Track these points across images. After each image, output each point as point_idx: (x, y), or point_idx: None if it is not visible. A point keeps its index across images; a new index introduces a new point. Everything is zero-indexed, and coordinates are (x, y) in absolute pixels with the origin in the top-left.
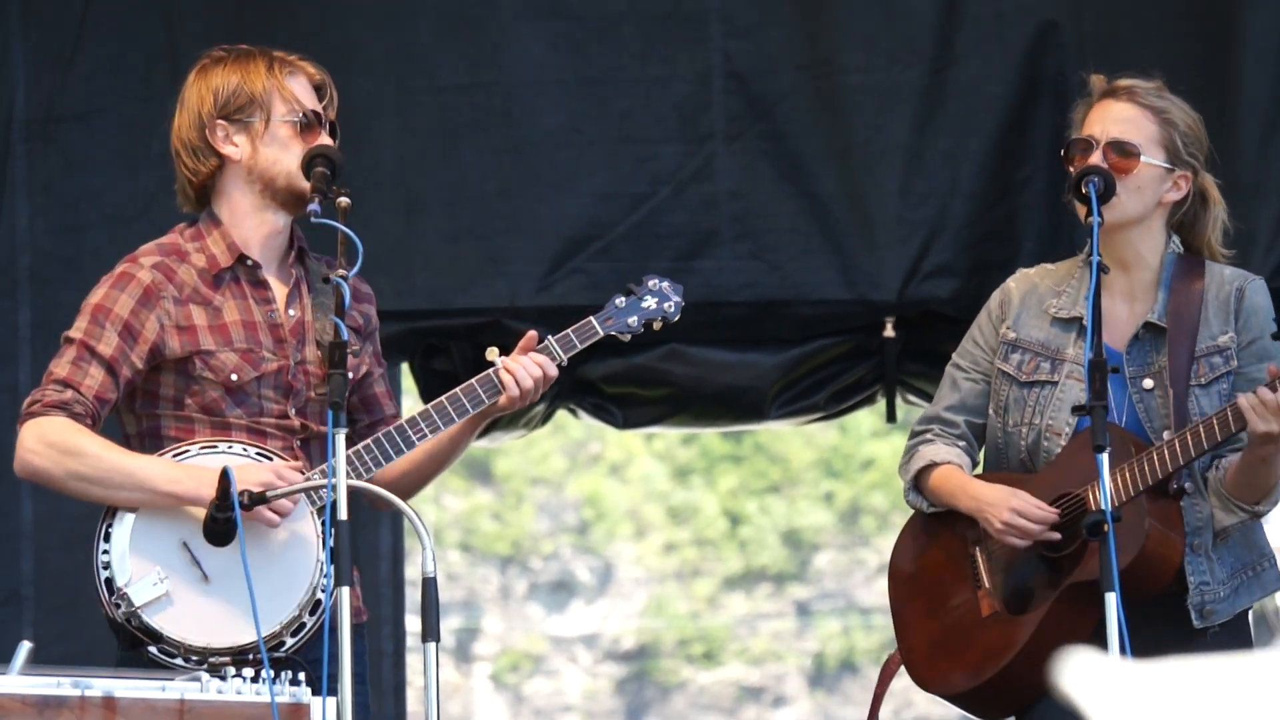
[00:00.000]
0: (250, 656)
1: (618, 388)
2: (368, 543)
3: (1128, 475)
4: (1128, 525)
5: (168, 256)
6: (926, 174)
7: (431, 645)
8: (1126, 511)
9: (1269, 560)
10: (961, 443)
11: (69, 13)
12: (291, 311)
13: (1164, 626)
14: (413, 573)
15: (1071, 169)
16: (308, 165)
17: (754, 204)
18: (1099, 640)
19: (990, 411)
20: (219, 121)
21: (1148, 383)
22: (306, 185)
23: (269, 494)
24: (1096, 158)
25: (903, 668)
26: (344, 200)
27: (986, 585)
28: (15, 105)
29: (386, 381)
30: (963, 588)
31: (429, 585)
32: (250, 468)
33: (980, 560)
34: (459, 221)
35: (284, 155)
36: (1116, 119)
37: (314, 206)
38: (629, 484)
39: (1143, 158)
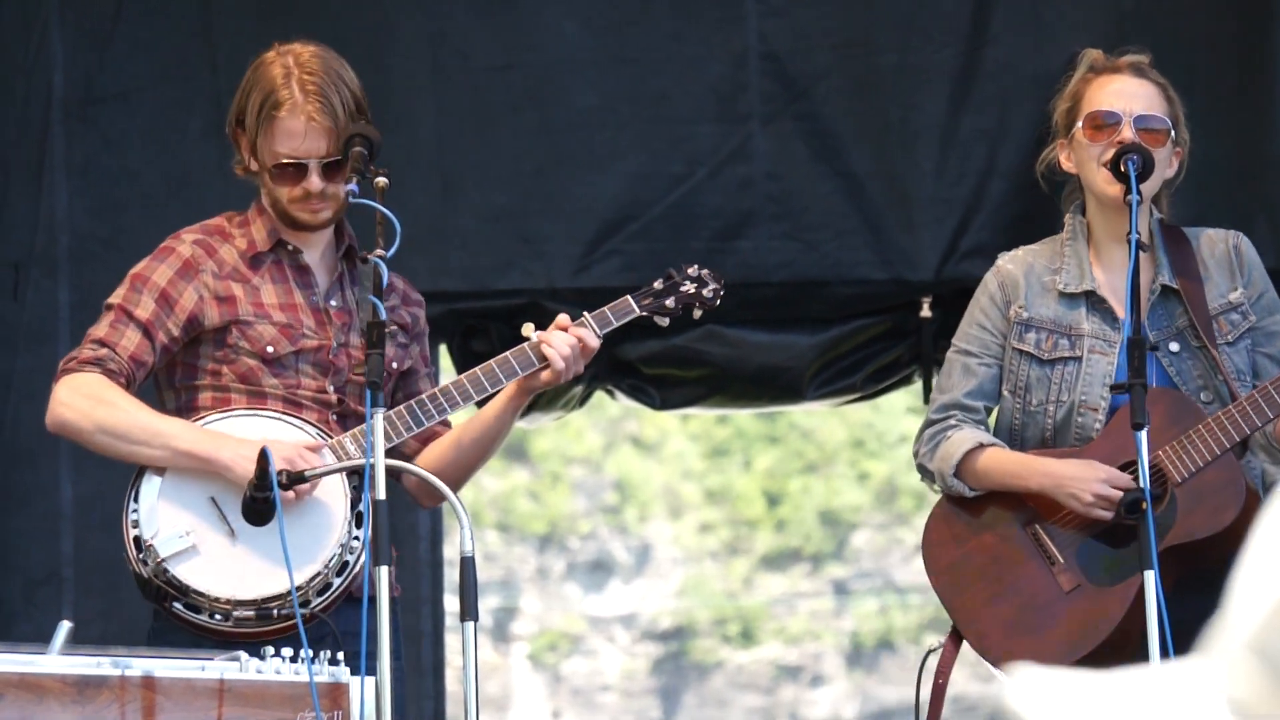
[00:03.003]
0: (274, 611)
1: (655, 368)
2: (406, 523)
3: (1207, 437)
4: (1221, 485)
5: (210, 236)
6: (963, 153)
7: (470, 625)
8: (1217, 473)
9: None
10: (982, 426)
11: None
12: (334, 301)
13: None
14: (450, 552)
15: (1084, 140)
16: (345, 146)
17: (791, 184)
18: (1181, 598)
19: (1005, 392)
20: (237, 130)
21: (1174, 345)
22: (298, 218)
23: (308, 473)
24: (1129, 134)
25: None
26: (382, 180)
27: (1061, 560)
28: (53, 85)
29: (433, 382)
30: (1030, 566)
31: (467, 565)
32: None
33: (1044, 537)
34: (496, 202)
35: (273, 189)
36: (1138, 95)
37: (352, 186)
38: (665, 464)
39: (1170, 132)
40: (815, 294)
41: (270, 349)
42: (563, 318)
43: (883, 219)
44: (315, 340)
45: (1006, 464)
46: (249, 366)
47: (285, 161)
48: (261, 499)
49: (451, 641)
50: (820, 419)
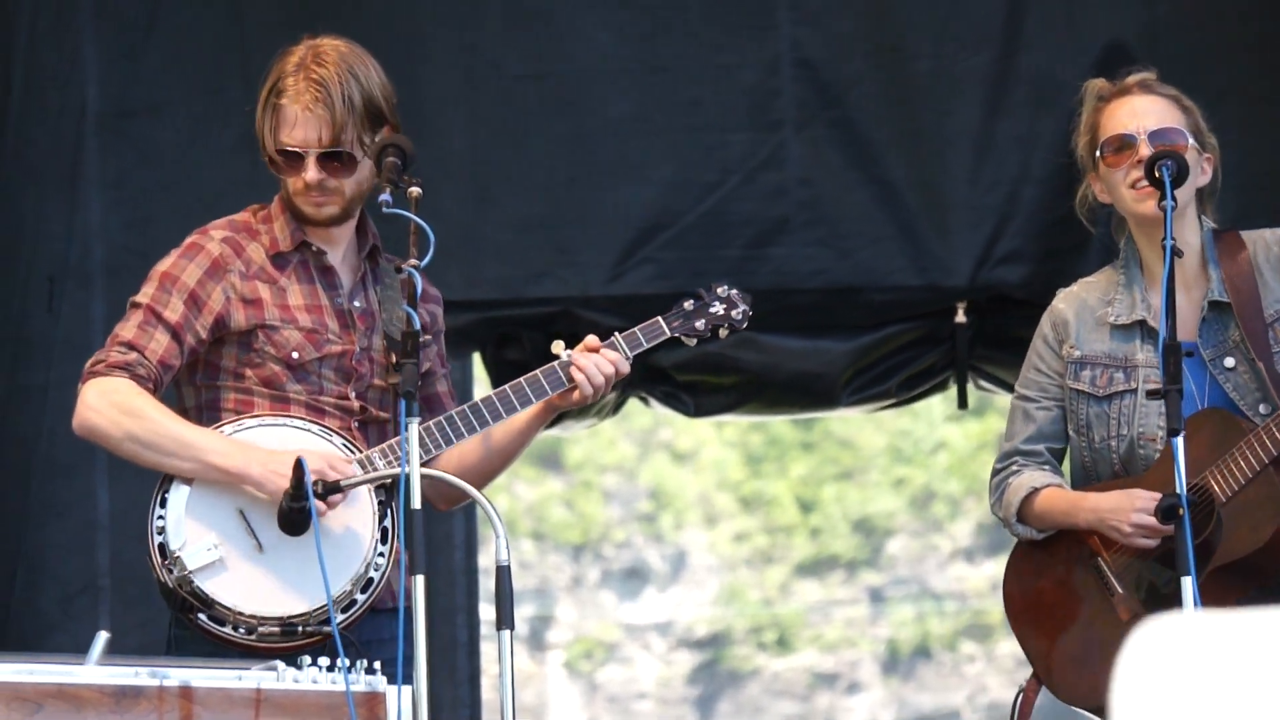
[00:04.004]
0: (299, 629)
1: (689, 375)
2: (441, 532)
3: (1248, 454)
4: (1260, 501)
5: (238, 233)
6: (997, 160)
7: (506, 633)
8: (1257, 489)
9: None
10: (1048, 467)
11: (140, 6)
12: (357, 302)
13: None
14: (485, 561)
15: (1106, 169)
16: (378, 156)
17: (824, 191)
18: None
19: (1071, 433)
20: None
21: (1229, 361)
22: (303, 210)
23: (343, 483)
24: (1145, 150)
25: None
26: (415, 190)
27: (1120, 592)
28: (87, 99)
29: (450, 382)
30: (1093, 600)
31: (503, 573)
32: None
33: (1106, 570)
34: (529, 211)
35: (283, 180)
36: (1148, 111)
37: (385, 196)
38: (700, 471)
39: (1189, 142)
40: (849, 300)
41: (295, 354)
42: (592, 339)
43: (917, 225)
44: (339, 345)
45: (1058, 504)
46: (273, 371)
47: (284, 150)
48: (297, 509)
49: (487, 650)
50: (857, 426)
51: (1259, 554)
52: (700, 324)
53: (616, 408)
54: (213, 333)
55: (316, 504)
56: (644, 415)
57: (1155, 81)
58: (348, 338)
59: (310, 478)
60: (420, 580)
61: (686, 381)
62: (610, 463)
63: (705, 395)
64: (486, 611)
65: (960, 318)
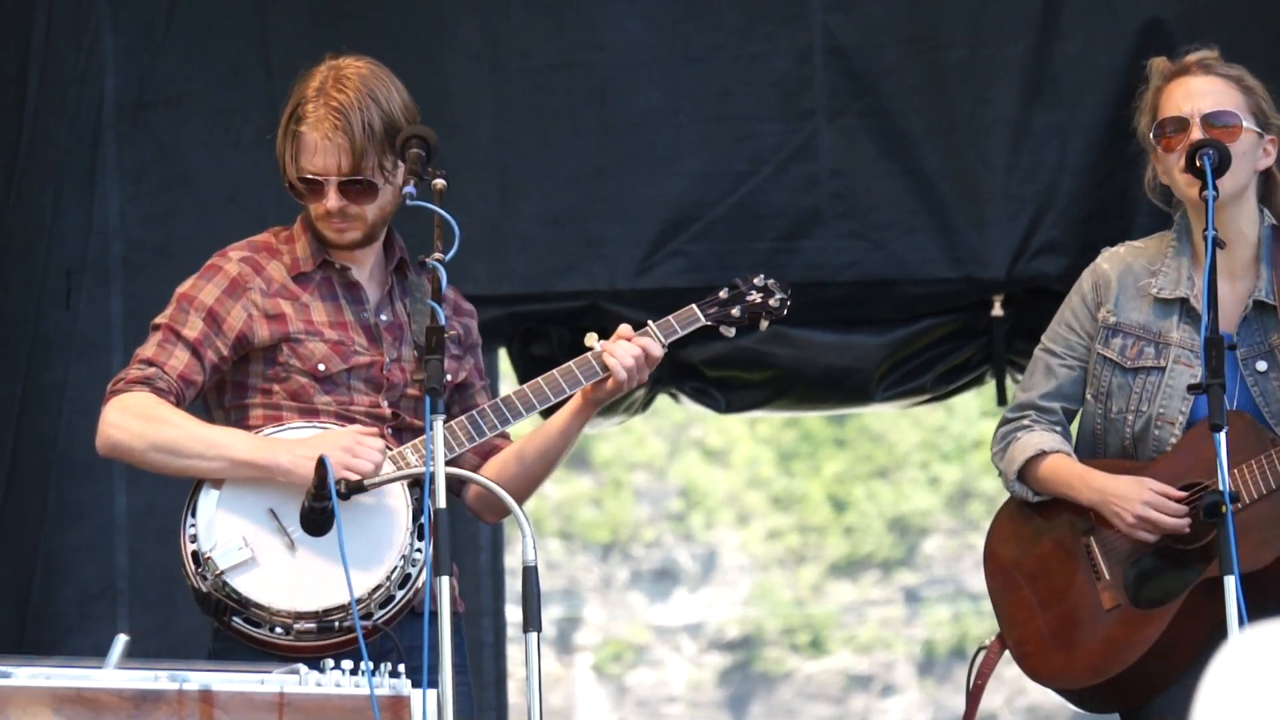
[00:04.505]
0: (336, 624)
1: (719, 371)
2: (467, 532)
3: (1267, 467)
4: (1267, 522)
5: (257, 253)
6: (1034, 149)
7: (533, 635)
8: (1270, 507)
9: None
10: (1059, 429)
11: None
12: (384, 316)
13: None
14: (512, 562)
15: (1162, 152)
16: (402, 147)
17: (857, 182)
18: (1220, 636)
19: (1089, 396)
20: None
21: (1261, 365)
22: (325, 235)
23: (367, 482)
24: (1197, 134)
25: (1006, 657)
26: (440, 182)
27: (1107, 577)
28: (105, 91)
29: (489, 395)
30: (1078, 580)
31: (530, 574)
32: (329, 437)
33: (1096, 551)
34: (556, 204)
35: (305, 204)
36: (1203, 92)
37: (410, 189)
38: (731, 469)
39: (1244, 124)
40: (883, 293)
41: (322, 366)
42: (625, 328)
43: (952, 216)
44: (367, 357)
45: (1063, 474)
46: (300, 384)
47: (305, 177)
48: (319, 508)
49: (514, 653)
50: (891, 422)
51: (1256, 575)
52: (736, 311)
53: (646, 404)
54: (235, 350)
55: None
56: (674, 412)
57: (1216, 61)
58: (375, 350)
59: (333, 476)
60: (446, 581)
61: (717, 377)
62: (640, 460)
63: (736, 391)
64: (513, 613)
65: (997, 310)
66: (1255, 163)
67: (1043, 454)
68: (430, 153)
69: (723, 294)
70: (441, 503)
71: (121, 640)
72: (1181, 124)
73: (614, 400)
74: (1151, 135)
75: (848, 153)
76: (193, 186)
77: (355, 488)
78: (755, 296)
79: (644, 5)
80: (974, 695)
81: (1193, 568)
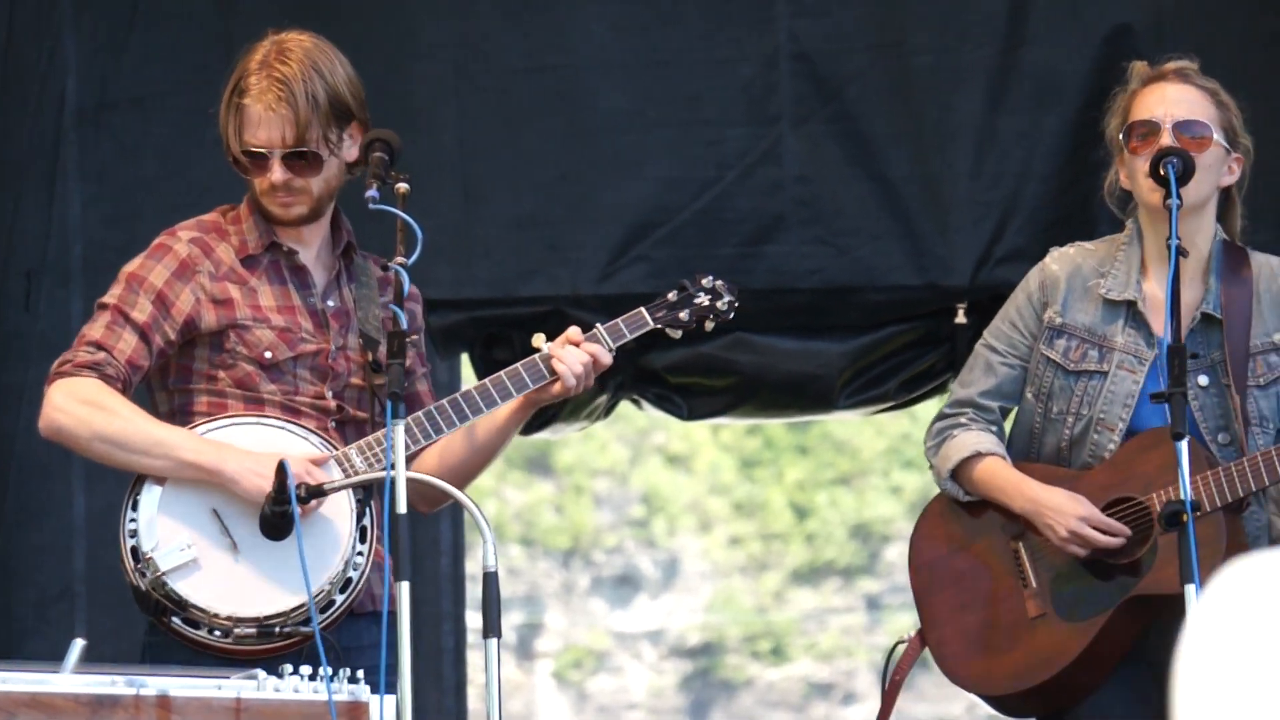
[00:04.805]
0: (276, 629)
1: (682, 377)
2: (428, 537)
3: (1202, 492)
4: (1202, 543)
5: (206, 233)
6: (999, 156)
7: (493, 641)
8: (1202, 529)
9: None
10: (994, 429)
11: None
12: (331, 301)
13: None
14: (473, 567)
15: (1129, 155)
16: (365, 150)
17: (822, 188)
18: (1139, 652)
19: (1029, 395)
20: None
21: (1203, 379)
22: (270, 211)
23: (326, 486)
24: (1167, 140)
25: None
26: (403, 186)
27: (1034, 585)
28: (67, 91)
29: (430, 381)
30: (1004, 584)
31: (490, 580)
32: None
33: (1024, 557)
34: (520, 208)
35: (249, 180)
36: (1178, 100)
37: (373, 192)
38: (693, 475)
39: (1214, 138)
40: (847, 300)
41: (268, 354)
42: (574, 331)
43: (917, 223)
44: (314, 344)
45: (998, 480)
46: (246, 372)
47: (248, 151)
48: (279, 513)
49: (474, 659)
50: (854, 429)
51: (1179, 598)
52: (684, 315)
53: (608, 410)
54: (182, 334)
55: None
56: (637, 418)
57: (1195, 72)
58: (322, 337)
59: (293, 481)
60: (405, 586)
61: (680, 384)
62: (601, 466)
63: (699, 398)
64: (473, 619)
65: (961, 318)
66: (1219, 178)
67: (979, 455)
68: (394, 156)
69: (671, 296)
70: (402, 507)
71: (78, 644)
72: (1152, 128)
73: (576, 405)
74: (1121, 136)
75: (813, 158)
76: (155, 188)
77: (315, 492)
78: (703, 299)
79: (610, 9)
80: (891, 691)
81: (1120, 581)
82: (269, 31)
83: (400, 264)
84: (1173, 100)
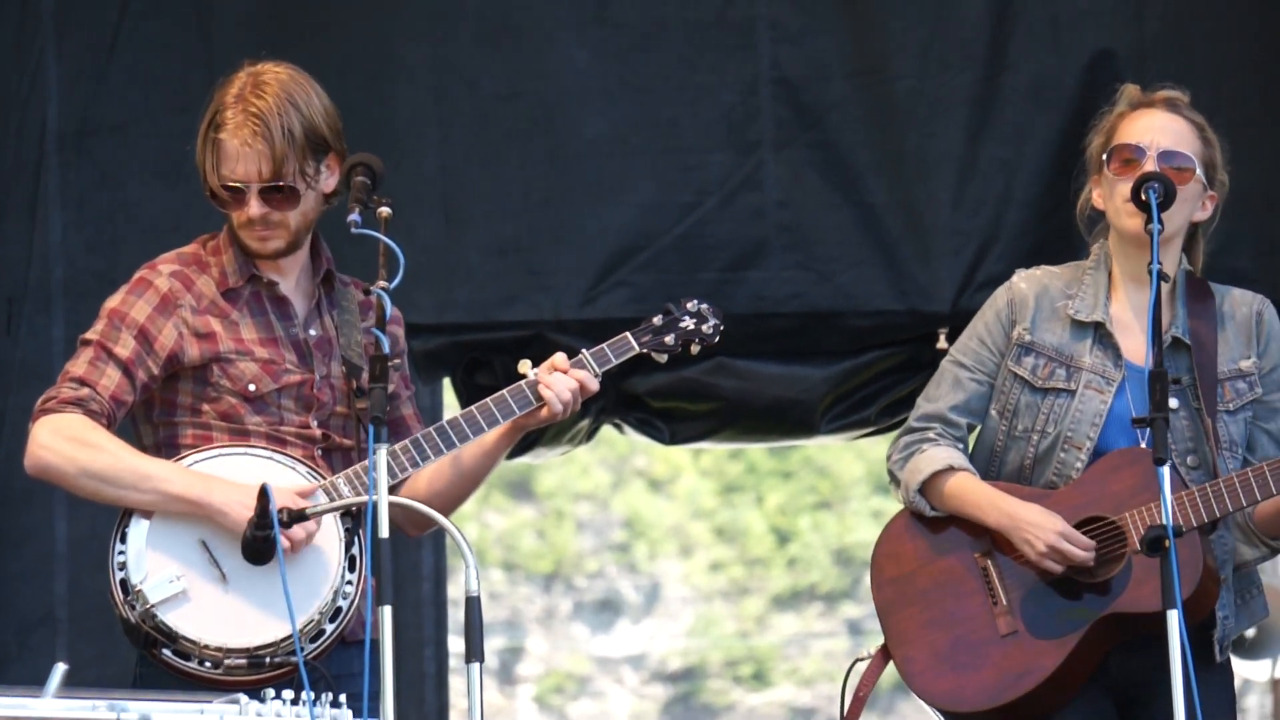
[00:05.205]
0: (267, 659)
1: (664, 402)
2: (410, 562)
3: (1188, 508)
4: (1181, 561)
5: (187, 266)
6: (980, 182)
7: (475, 666)
8: (1179, 545)
9: (1257, 588)
10: (960, 445)
11: (103, 23)
12: (312, 330)
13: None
14: (455, 592)
15: (1109, 176)
16: (347, 174)
17: (803, 213)
18: (1101, 674)
19: (993, 412)
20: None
21: (1172, 402)
22: (248, 245)
23: (309, 511)
24: (1151, 167)
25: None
26: (385, 210)
27: (1004, 602)
28: (48, 117)
29: (415, 405)
30: (972, 601)
31: (472, 604)
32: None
33: (994, 574)
34: (502, 233)
35: (227, 214)
36: (1165, 129)
37: (354, 217)
38: (674, 500)
39: (1195, 171)
40: (828, 325)
41: (252, 387)
42: (559, 357)
43: (898, 249)
44: (298, 375)
45: (971, 493)
46: (231, 404)
47: (227, 185)
48: (262, 538)
49: (456, 683)
50: (836, 454)
51: (1149, 615)
52: (670, 339)
53: (590, 434)
54: (165, 369)
55: (298, 534)
56: (618, 442)
57: (1185, 104)
58: (305, 367)
59: (275, 505)
60: (387, 611)
61: (662, 408)
62: (583, 491)
63: (680, 422)
64: (456, 644)
65: (942, 343)
66: (1193, 212)
67: (950, 470)
68: (376, 181)
69: (656, 320)
70: (384, 532)
71: (60, 669)
72: (1137, 154)
73: (558, 430)
74: (1105, 157)
75: (794, 184)
76: (137, 213)
77: (298, 516)
78: (689, 323)
79: (591, 35)
80: (854, 708)
81: (1091, 600)
82: (245, 63)
83: (382, 288)
84: (1160, 128)
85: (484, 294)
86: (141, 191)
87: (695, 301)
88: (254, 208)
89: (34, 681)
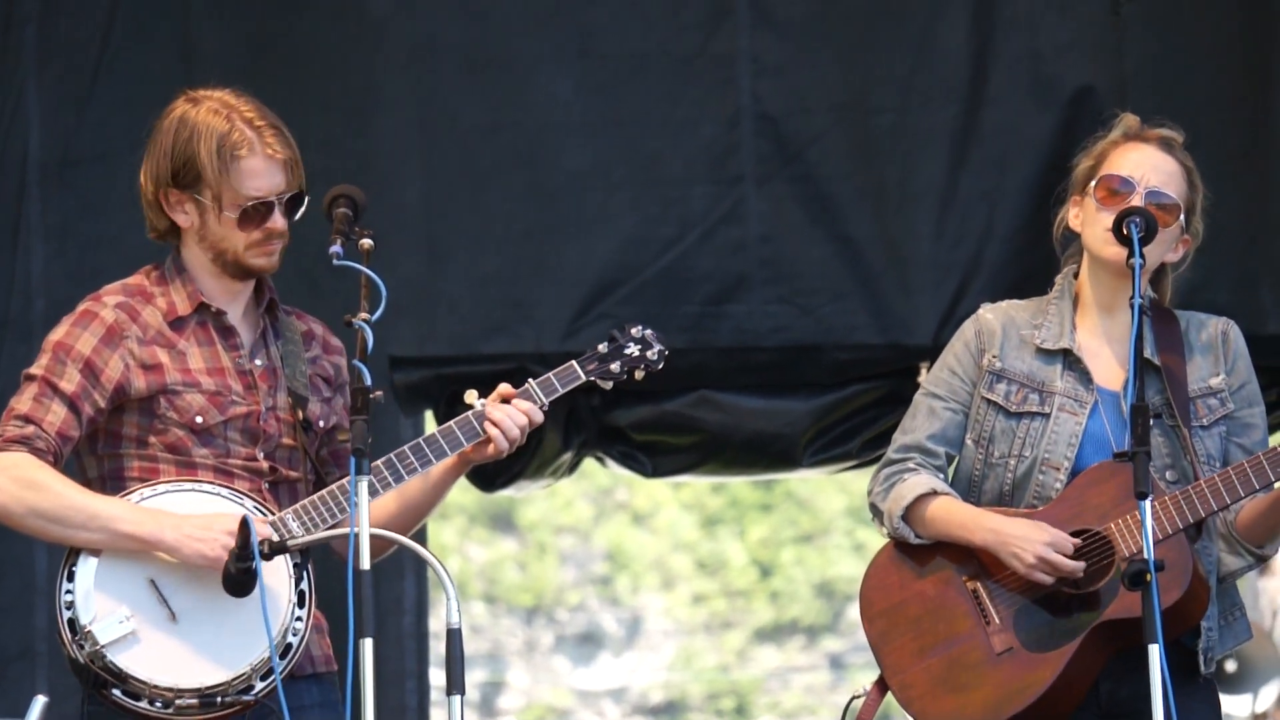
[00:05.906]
0: (218, 699)
1: (646, 435)
2: (391, 595)
3: (1161, 517)
4: (1170, 564)
5: (132, 297)
6: (961, 216)
7: (456, 699)
8: (1164, 553)
9: (1240, 609)
10: (940, 475)
11: (85, 53)
12: (258, 360)
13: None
14: (436, 625)
15: (1094, 203)
16: (329, 206)
17: (785, 247)
18: (1090, 702)
19: (969, 441)
20: (171, 189)
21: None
22: (253, 264)
23: (290, 543)
24: (1137, 201)
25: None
26: (367, 242)
27: (997, 621)
28: (29, 147)
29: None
30: (964, 624)
31: (453, 637)
32: (215, 520)
33: (984, 595)
34: (484, 266)
35: (231, 235)
36: (1158, 168)
37: (336, 248)
38: (657, 533)
39: (1178, 214)
40: (810, 359)
41: (199, 419)
42: (505, 387)
43: (879, 283)
44: (244, 406)
45: (955, 515)
46: (178, 436)
47: (252, 204)
48: (243, 569)
49: (437, 716)
50: (818, 487)
51: (1130, 621)
52: (615, 366)
53: (573, 468)
54: (112, 401)
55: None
56: (600, 475)
57: (1179, 146)
58: (252, 398)
59: (256, 538)
60: (368, 643)
61: (644, 441)
62: (566, 523)
63: (663, 455)
64: (437, 676)
65: (923, 376)
66: (1166, 253)
67: (933, 494)
68: (358, 212)
69: (602, 348)
70: (365, 564)
71: (40, 702)
72: (1127, 186)
73: (540, 463)
74: (1092, 183)
75: (776, 218)
76: (118, 244)
77: (278, 548)
78: (633, 349)
79: (574, 68)
80: None
81: (1084, 610)
82: (183, 91)
83: (364, 320)
84: (1152, 166)
85: (466, 326)
86: (124, 222)
87: (639, 327)
88: (279, 220)
89: (13, 714)
